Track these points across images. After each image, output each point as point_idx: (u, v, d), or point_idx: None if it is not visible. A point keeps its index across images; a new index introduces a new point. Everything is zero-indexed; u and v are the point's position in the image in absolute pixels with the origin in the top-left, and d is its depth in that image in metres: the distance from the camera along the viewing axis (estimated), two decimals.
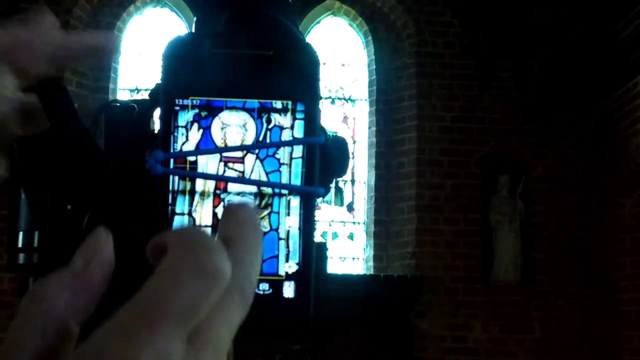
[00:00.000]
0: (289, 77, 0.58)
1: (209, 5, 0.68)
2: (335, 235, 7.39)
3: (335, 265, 7.17)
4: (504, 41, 7.07)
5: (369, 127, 7.41)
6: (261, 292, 0.58)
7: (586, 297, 6.86)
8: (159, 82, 0.60)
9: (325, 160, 0.61)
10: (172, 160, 0.59)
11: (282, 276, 0.58)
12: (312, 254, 0.59)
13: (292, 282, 0.58)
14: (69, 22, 7.01)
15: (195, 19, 0.70)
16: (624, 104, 6.63)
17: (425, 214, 6.96)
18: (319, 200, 7.65)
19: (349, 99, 7.65)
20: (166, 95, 0.59)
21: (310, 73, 0.59)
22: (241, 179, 0.58)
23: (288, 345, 5.83)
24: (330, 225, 7.38)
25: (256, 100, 0.59)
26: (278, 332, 0.58)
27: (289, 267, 0.58)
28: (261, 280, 0.58)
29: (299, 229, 0.60)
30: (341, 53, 7.69)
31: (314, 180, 0.58)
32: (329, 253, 6.81)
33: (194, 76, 0.58)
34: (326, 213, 7.38)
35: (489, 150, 7.05)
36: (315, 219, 0.60)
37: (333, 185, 7.43)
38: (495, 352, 6.75)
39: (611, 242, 6.74)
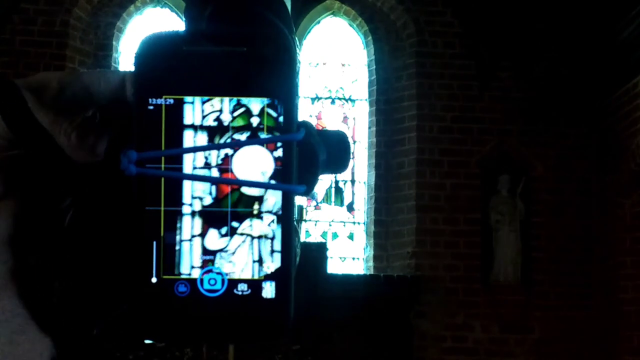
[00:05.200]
0: (264, 74, 0.58)
1: (194, 2, 0.68)
2: (335, 235, 7.38)
3: (335, 265, 7.16)
4: (504, 41, 7.07)
5: (369, 127, 7.41)
6: (240, 293, 0.58)
7: (586, 297, 6.85)
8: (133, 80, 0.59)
9: (308, 157, 0.60)
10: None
11: (261, 277, 0.58)
12: (292, 253, 0.58)
13: (272, 283, 0.57)
14: (68, 22, 7.01)
15: (184, 16, 0.70)
16: (624, 104, 6.63)
17: (425, 214, 6.96)
18: (319, 200, 7.58)
19: (349, 99, 7.65)
20: (139, 94, 0.58)
21: (286, 69, 0.58)
22: (217, 179, 0.58)
23: (288, 345, 5.83)
24: (330, 225, 7.38)
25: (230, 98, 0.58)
26: (258, 333, 0.58)
27: (267, 267, 0.58)
28: (240, 281, 0.58)
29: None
30: (341, 53, 7.69)
31: (291, 178, 0.58)
32: (329, 253, 6.81)
33: (167, 74, 0.58)
34: (326, 213, 7.37)
35: (489, 150, 7.04)
36: (296, 217, 0.60)
37: (333, 183, 7.44)
38: (495, 352, 6.75)
39: (611, 242, 6.74)
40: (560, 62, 7.08)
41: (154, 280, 0.57)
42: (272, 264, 0.57)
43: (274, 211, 0.57)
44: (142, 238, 0.57)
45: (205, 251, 0.58)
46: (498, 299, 6.80)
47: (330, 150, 0.62)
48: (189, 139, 0.58)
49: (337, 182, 7.42)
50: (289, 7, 0.70)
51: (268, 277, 0.57)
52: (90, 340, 0.64)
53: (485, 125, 7.07)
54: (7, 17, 6.91)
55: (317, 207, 7.45)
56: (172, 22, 7.45)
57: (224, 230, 0.58)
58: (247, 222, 0.58)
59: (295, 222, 0.60)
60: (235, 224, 0.58)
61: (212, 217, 0.58)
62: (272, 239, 0.57)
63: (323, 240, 7.19)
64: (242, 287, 0.57)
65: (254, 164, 0.58)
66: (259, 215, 0.58)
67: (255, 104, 0.58)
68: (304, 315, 5.48)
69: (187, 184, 0.58)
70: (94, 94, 0.64)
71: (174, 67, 0.57)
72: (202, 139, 0.58)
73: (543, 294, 6.84)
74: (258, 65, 0.57)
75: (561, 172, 7.03)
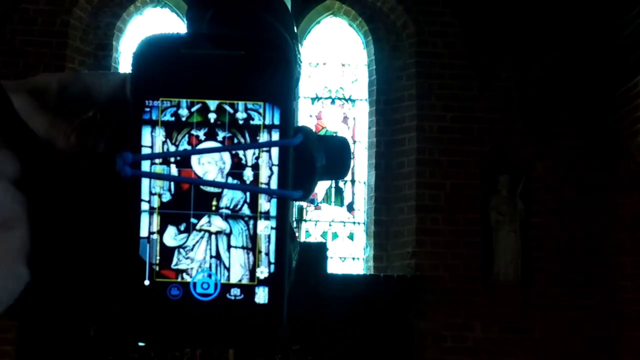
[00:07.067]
0: (260, 78, 0.58)
1: (195, 5, 0.68)
2: (335, 235, 7.38)
3: (335, 265, 7.17)
4: (504, 41, 7.07)
5: (369, 127, 7.41)
6: (233, 298, 0.58)
7: (586, 297, 6.85)
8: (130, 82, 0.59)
9: (306, 162, 0.60)
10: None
11: (254, 282, 0.58)
12: (286, 258, 0.58)
13: (265, 288, 0.57)
14: (69, 22, 7.01)
15: (185, 18, 0.71)
16: (624, 104, 6.63)
17: (425, 214, 6.96)
18: (319, 200, 7.56)
19: (349, 99, 7.65)
20: (136, 95, 0.58)
21: (283, 73, 0.58)
22: (214, 182, 0.58)
23: (288, 345, 5.83)
24: (330, 225, 7.38)
25: (227, 102, 0.58)
26: (250, 339, 0.58)
27: (260, 272, 0.58)
28: (233, 286, 0.58)
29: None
30: (341, 53, 7.69)
31: (286, 182, 0.58)
32: (329, 253, 6.81)
33: (164, 77, 0.58)
34: (326, 213, 7.37)
35: (489, 150, 7.04)
36: (291, 222, 0.60)
37: (333, 183, 7.44)
38: (495, 352, 6.75)
39: (611, 242, 6.74)
40: (560, 62, 7.08)
41: (146, 282, 0.57)
42: (266, 269, 0.57)
43: (269, 215, 0.57)
44: (136, 240, 0.57)
45: (164, 248, 0.58)
46: (498, 299, 6.80)
47: (331, 156, 0.62)
48: (147, 134, 0.58)
49: (337, 182, 7.42)
50: (290, 9, 0.70)
51: (261, 283, 0.57)
52: (88, 341, 0.64)
53: (485, 125, 7.07)
54: (7, 17, 6.90)
55: (317, 207, 7.45)
56: (172, 22, 7.45)
57: (182, 226, 0.58)
58: (205, 219, 0.58)
59: (291, 226, 0.60)
60: (193, 220, 0.58)
61: (171, 214, 0.58)
62: (267, 243, 0.57)
63: (323, 240, 7.19)
64: (235, 292, 0.57)
65: (212, 160, 0.58)
66: (217, 211, 0.58)
67: (253, 108, 0.58)
68: (304, 315, 5.46)
69: (145, 181, 0.58)
70: (95, 95, 0.64)
71: (171, 70, 0.57)
72: (160, 134, 0.58)
73: (543, 294, 6.84)
74: (255, 68, 0.57)
75: (561, 172, 7.03)
